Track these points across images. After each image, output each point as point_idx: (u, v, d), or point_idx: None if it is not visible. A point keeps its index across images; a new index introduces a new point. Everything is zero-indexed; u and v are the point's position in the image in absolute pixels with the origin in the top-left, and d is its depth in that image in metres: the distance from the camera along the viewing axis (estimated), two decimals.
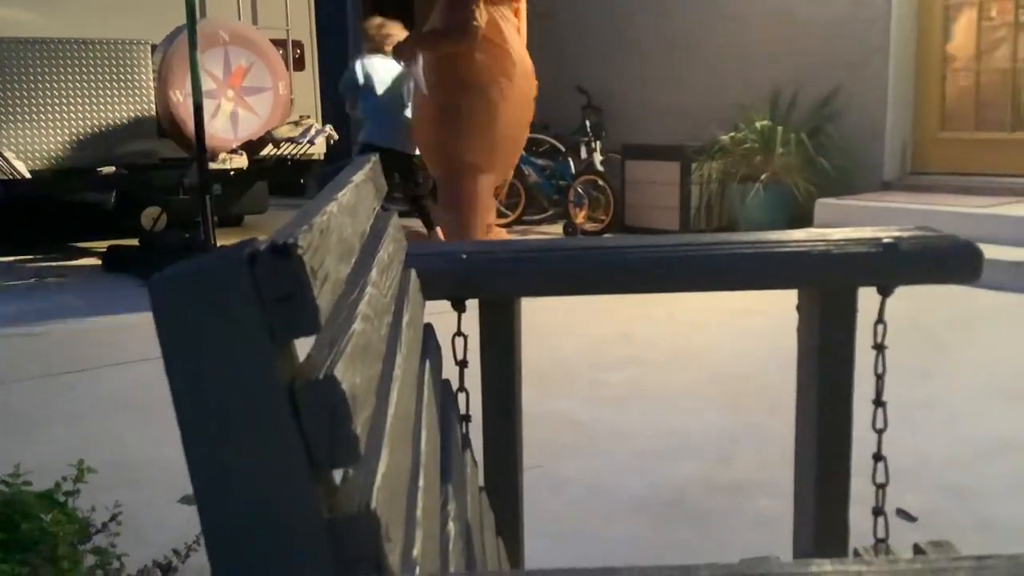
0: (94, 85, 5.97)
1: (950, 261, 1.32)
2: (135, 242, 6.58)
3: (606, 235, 7.06)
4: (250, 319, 0.49)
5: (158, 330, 0.50)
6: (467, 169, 5.15)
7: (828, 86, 6.80)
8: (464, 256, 1.33)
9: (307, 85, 7.19)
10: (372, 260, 0.81)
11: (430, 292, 1.23)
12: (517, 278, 1.36)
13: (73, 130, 5.95)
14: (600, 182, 7.31)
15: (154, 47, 6.16)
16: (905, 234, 1.33)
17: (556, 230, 7.50)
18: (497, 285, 1.36)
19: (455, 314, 1.35)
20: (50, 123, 5.88)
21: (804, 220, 6.40)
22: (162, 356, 0.50)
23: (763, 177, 6.61)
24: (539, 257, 1.39)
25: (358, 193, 0.85)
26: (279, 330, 0.50)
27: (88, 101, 5.96)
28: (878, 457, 1.40)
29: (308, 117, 6.79)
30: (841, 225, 5.76)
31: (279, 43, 6.73)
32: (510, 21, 5.17)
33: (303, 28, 7.18)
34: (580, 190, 7.33)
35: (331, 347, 0.55)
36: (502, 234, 5.76)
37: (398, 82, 6.00)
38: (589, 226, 7.31)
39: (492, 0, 5.06)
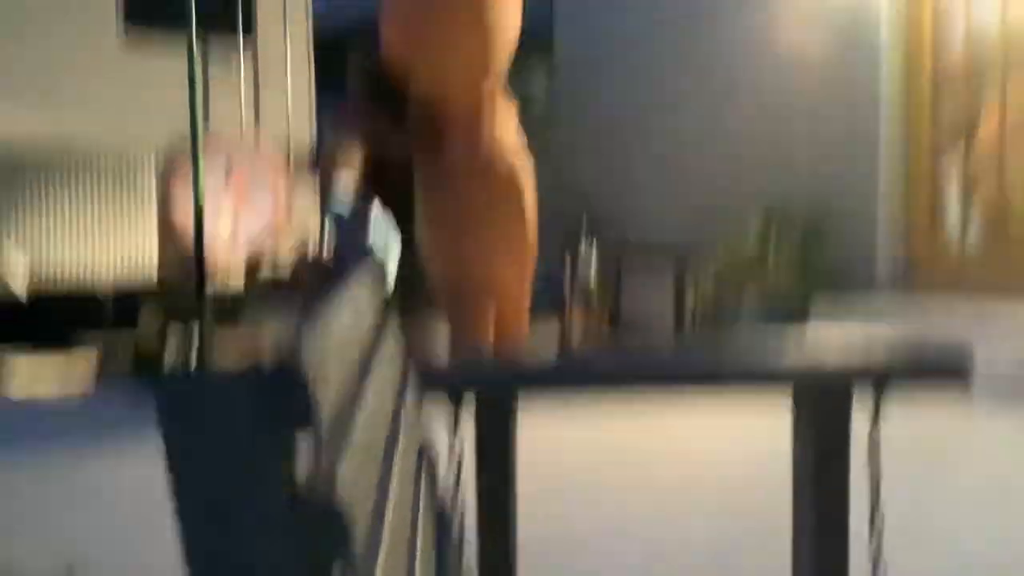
0: (96, 199, 5.98)
1: (944, 364, 1.34)
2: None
3: (600, 336, 7.07)
4: (254, 425, 0.50)
5: (161, 434, 0.51)
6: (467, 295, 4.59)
7: (824, 186, 6.88)
8: (463, 358, 1.35)
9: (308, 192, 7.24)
10: (372, 362, 0.82)
11: (429, 390, 1.24)
12: (513, 380, 1.37)
13: (73, 247, 5.95)
14: (593, 283, 7.36)
15: (156, 159, 6.20)
16: (900, 336, 1.34)
17: (551, 328, 7.49)
18: (494, 386, 1.37)
19: (452, 411, 1.35)
20: (50, 239, 5.88)
21: (800, 320, 6.41)
22: (164, 459, 0.51)
23: (758, 277, 6.65)
24: (537, 366, 1.40)
25: (359, 297, 0.87)
26: (282, 434, 0.51)
27: (90, 217, 5.98)
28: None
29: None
30: (837, 326, 5.78)
31: (279, 150, 6.81)
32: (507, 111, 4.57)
33: (304, 133, 7.30)
34: (573, 292, 7.37)
35: (333, 451, 0.56)
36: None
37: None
38: (583, 328, 7.32)
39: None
